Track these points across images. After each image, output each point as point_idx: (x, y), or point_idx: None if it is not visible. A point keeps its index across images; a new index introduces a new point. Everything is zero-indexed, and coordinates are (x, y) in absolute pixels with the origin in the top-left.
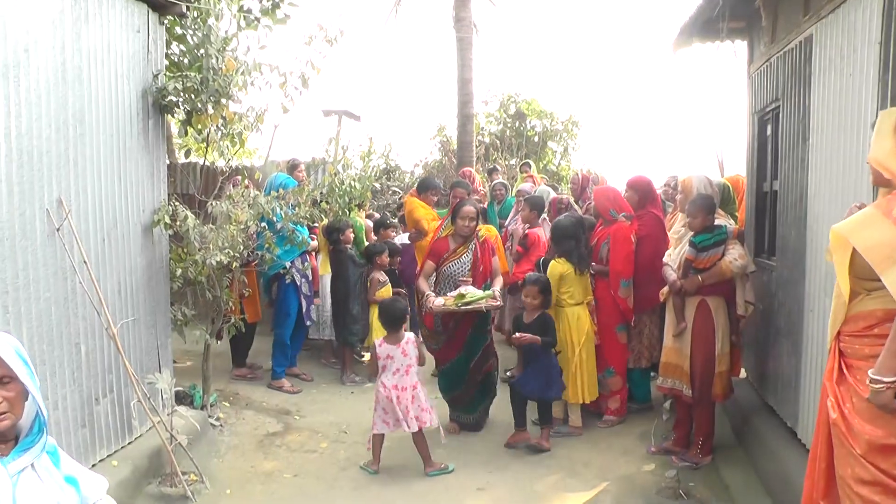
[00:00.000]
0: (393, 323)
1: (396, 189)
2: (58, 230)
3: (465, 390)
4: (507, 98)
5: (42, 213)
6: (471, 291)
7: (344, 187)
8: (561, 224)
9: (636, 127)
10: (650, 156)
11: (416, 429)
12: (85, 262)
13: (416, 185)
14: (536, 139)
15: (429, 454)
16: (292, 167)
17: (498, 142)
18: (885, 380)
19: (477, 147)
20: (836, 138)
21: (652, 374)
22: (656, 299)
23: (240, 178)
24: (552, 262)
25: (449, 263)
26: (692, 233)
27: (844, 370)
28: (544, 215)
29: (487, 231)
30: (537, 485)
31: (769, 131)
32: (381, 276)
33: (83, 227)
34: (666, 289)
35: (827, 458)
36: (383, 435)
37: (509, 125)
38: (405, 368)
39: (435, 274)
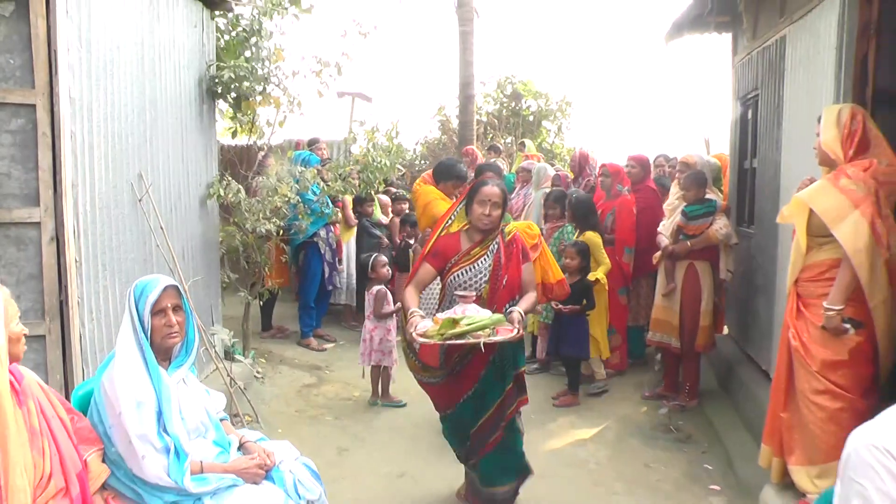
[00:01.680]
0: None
1: (399, 167)
2: (140, 200)
3: (469, 450)
4: (504, 79)
5: (128, 185)
6: (471, 314)
7: (375, 164)
8: (583, 200)
9: (627, 108)
10: (640, 136)
11: (375, 363)
12: (161, 228)
13: (433, 169)
14: (532, 118)
15: (383, 389)
16: (312, 144)
17: (496, 121)
18: (835, 307)
19: (476, 126)
20: (803, 125)
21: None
22: (652, 265)
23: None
24: (589, 233)
25: (459, 270)
26: (685, 203)
27: (802, 308)
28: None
29: (527, 229)
30: (549, 425)
31: (750, 115)
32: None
33: (156, 198)
34: (659, 253)
35: (787, 379)
36: (379, 368)
37: (506, 105)
38: (369, 314)
39: (440, 284)
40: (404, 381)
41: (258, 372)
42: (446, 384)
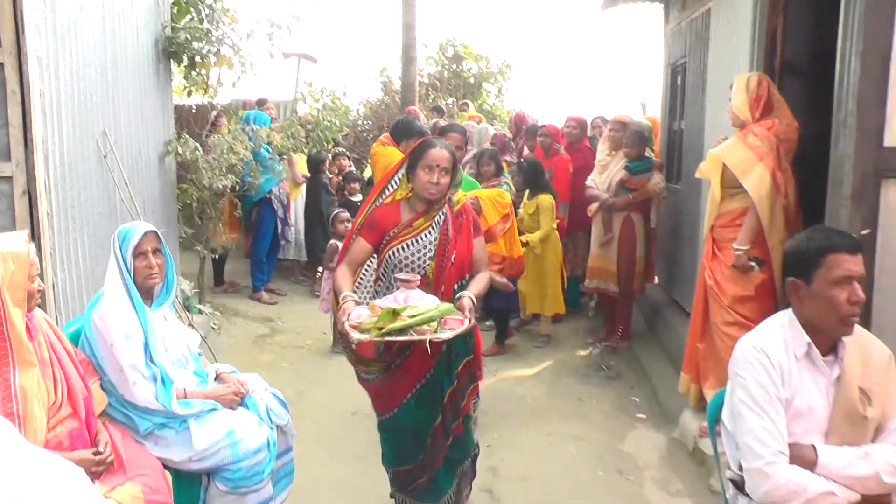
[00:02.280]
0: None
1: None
2: (105, 157)
3: (420, 466)
4: (446, 42)
5: (93, 142)
6: (414, 302)
7: (325, 122)
8: (533, 163)
9: (565, 71)
10: (577, 98)
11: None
12: (126, 183)
13: (391, 129)
14: (472, 81)
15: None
16: (261, 104)
17: (437, 83)
18: (742, 248)
19: (418, 88)
20: (724, 90)
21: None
22: (588, 219)
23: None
24: (544, 196)
25: (398, 245)
26: (624, 160)
27: (717, 251)
28: None
29: (497, 197)
30: (491, 365)
31: (679, 81)
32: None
33: (119, 154)
34: (595, 206)
35: (703, 314)
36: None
37: (447, 67)
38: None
39: (374, 261)
40: None
41: (214, 324)
42: (386, 380)
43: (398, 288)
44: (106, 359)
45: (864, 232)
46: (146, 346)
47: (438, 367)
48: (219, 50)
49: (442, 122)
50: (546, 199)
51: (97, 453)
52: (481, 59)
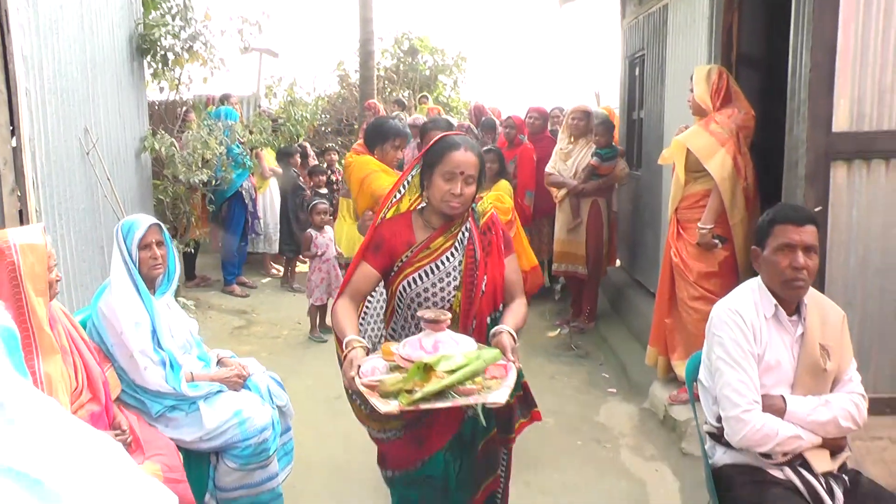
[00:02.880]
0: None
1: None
2: (87, 153)
3: None
4: (402, 35)
5: (76, 139)
6: (447, 350)
7: (295, 117)
8: (497, 151)
9: (520, 63)
10: (532, 89)
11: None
12: (109, 179)
13: (364, 136)
14: (428, 73)
15: (321, 322)
16: (225, 100)
17: (394, 76)
18: (707, 227)
19: (375, 82)
20: (682, 81)
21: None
22: (551, 206)
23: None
24: (503, 181)
25: (414, 273)
26: (593, 147)
27: (681, 231)
28: None
29: (496, 202)
30: None
31: (637, 73)
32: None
33: (100, 151)
34: (563, 192)
35: (669, 290)
36: (316, 306)
37: (403, 60)
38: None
39: (385, 293)
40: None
41: (191, 317)
42: (409, 438)
43: (420, 328)
44: (116, 346)
45: (817, 209)
46: (154, 332)
47: (468, 431)
48: (191, 46)
49: (403, 115)
50: (504, 182)
51: (118, 435)
52: (437, 51)
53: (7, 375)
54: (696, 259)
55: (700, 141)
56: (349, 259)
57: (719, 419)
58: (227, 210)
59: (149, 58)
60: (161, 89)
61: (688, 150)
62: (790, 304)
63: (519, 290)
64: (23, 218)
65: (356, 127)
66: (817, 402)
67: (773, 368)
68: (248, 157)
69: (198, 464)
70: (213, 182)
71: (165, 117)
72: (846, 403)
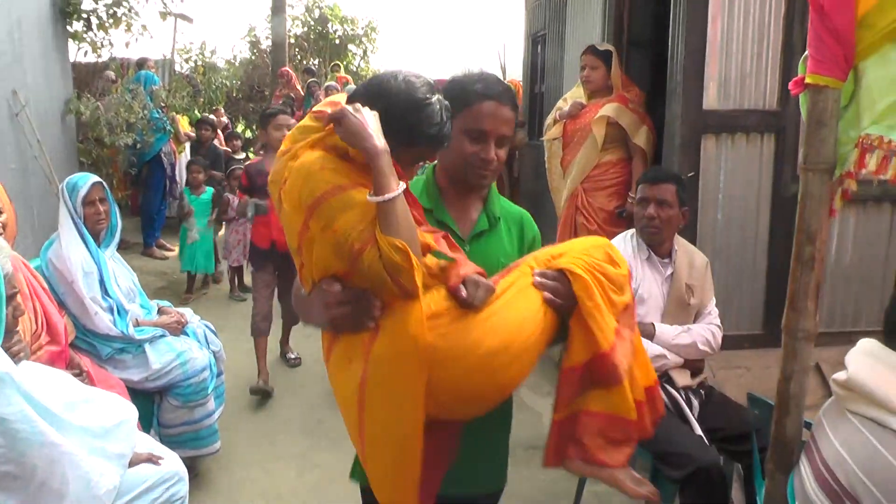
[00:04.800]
0: None
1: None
2: (17, 115)
3: None
4: (312, 3)
5: (4, 101)
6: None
7: (217, 82)
8: None
9: (428, 35)
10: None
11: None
12: (38, 141)
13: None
14: (338, 42)
15: (239, 282)
16: (142, 64)
17: (305, 44)
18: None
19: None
20: (578, 58)
21: None
22: None
23: (112, 73)
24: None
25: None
26: None
27: (589, 200)
28: None
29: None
30: None
31: (539, 50)
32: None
33: (29, 113)
34: None
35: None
36: (234, 269)
37: (313, 28)
38: None
39: None
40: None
41: None
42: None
43: None
44: (67, 294)
45: (690, 174)
46: (101, 281)
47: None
48: (115, 12)
49: (314, 81)
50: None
51: (76, 374)
52: (347, 21)
53: None
54: (609, 225)
55: (627, 117)
56: None
57: None
58: (148, 173)
59: (74, 22)
60: (85, 53)
61: (607, 122)
62: (664, 250)
63: None
64: None
65: (267, 94)
66: (681, 329)
67: (645, 301)
68: (167, 121)
69: (143, 403)
70: (137, 146)
71: (88, 80)
72: (705, 332)
